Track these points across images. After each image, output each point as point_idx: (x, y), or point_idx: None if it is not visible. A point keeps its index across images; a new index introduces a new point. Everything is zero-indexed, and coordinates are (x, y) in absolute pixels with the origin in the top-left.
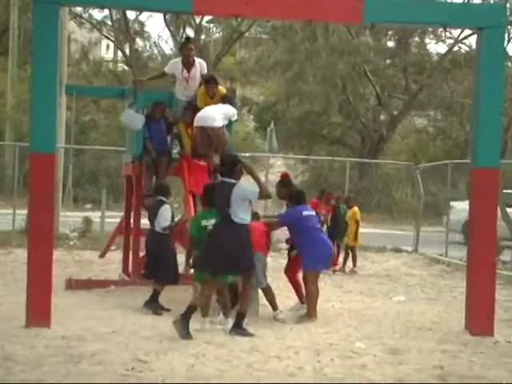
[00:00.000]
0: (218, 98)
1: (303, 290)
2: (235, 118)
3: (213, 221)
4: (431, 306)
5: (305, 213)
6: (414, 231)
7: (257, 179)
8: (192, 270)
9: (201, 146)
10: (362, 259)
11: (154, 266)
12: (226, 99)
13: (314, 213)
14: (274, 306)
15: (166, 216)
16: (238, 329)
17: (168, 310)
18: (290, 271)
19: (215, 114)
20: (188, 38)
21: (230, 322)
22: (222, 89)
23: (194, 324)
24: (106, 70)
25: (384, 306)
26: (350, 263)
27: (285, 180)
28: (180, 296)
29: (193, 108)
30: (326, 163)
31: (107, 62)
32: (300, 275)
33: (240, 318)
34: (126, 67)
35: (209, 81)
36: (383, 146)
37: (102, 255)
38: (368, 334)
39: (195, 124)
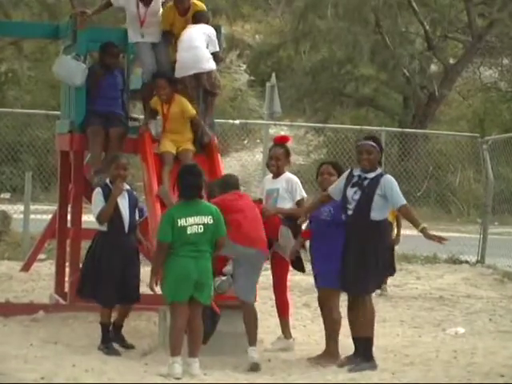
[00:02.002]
0: (191, 15)
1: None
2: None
3: (195, 219)
4: (504, 343)
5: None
6: (480, 233)
7: None
8: (158, 290)
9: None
10: (402, 274)
11: (92, 279)
12: (199, 18)
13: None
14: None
15: (95, 201)
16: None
17: (129, 348)
18: (278, 286)
19: (204, 50)
20: None
21: (196, 363)
22: (199, 3)
23: (159, 367)
24: None
25: (435, 342)
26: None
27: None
28: (142, 327)
29: (162, 75)
30: (352, 134)
31: None
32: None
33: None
34: None
35: None
36: (435, 109)
37: (26, 268)
38: (412, 383)
39: (184, 73)
